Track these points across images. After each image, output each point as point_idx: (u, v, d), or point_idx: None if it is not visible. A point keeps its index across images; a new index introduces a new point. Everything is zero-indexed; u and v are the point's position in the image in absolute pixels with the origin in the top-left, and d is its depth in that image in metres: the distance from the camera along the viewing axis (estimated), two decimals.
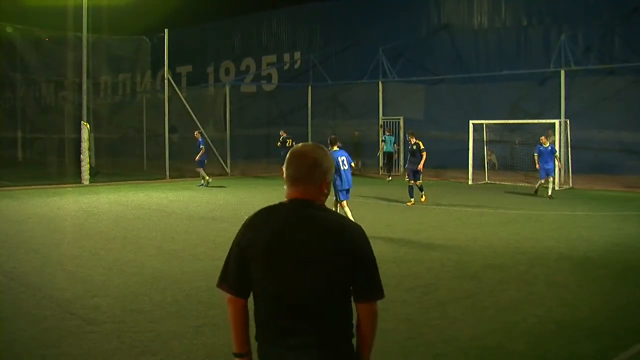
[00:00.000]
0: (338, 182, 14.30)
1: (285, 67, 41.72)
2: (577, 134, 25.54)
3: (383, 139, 30.34)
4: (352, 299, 3.32)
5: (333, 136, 15.22)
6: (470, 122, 27.12)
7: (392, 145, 30.08)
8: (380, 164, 32.18)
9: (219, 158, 32.26)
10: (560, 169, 23.48)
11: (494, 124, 27.79)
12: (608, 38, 28.15)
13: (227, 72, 45.19)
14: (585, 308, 8.67)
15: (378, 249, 12.63)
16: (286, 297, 3.24)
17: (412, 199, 19.92)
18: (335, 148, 14.86)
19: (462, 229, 15.38)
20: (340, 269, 3.20)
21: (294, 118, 37.93)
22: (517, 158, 29.10)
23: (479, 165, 27.67)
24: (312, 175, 3.32)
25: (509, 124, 28.23)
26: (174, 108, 31.87)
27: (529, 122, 27.32)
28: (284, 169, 3.37)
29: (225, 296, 3.39)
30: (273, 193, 22.19)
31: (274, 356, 3.29)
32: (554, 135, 25.33)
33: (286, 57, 41.67)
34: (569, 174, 24.64)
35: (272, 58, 42.71)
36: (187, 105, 32.02)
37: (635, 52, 26.52)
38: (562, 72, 26.20)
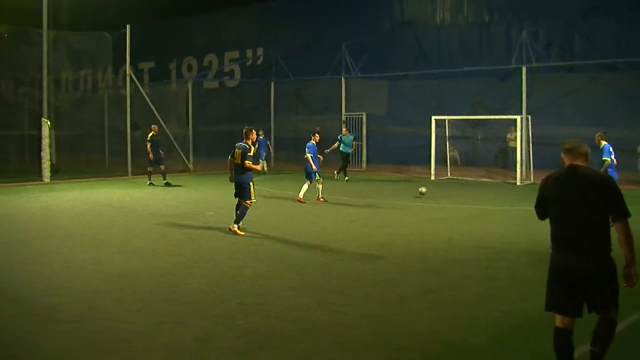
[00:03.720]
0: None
1: (248, 63, 41.54)
2: (538, 130, 25.76)
3: (339, 137, 28.58)
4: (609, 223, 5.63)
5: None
6: (433, 117, 27.25)
7: (350, 145, 28.64)
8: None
9: (182, 154, 32.02)
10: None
11: (456, 119, 27.99)
12: (569, 35, 28.42)
13: (189, 68, 44.89)
14: None
15: (340, 245, 12.66)
16: (567, 220, 5.68)
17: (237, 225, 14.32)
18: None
19: (424, 224, 15.45)
20: (600, 202, 5.55)
21: (257, 114, 37.67)
22: (479, 154, 29.31)
23: (441, 160, 27.81)
24: (578, 152, 5.80)
25: (471, 119, 28.47)
26: (136, 104, 31.55)
27: (490, 117, 27.54)
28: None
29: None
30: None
31: (559, 259, 5.73)
32: (516, 131, 25.62)
33: (249, 53, 41.48)
34: (530, 169, 24.89)
35: (235, 54, 42.49)
36: (150, 102, 31.76)
37: (595, 49, 26.83)
38: (524, 69, 26.38)
